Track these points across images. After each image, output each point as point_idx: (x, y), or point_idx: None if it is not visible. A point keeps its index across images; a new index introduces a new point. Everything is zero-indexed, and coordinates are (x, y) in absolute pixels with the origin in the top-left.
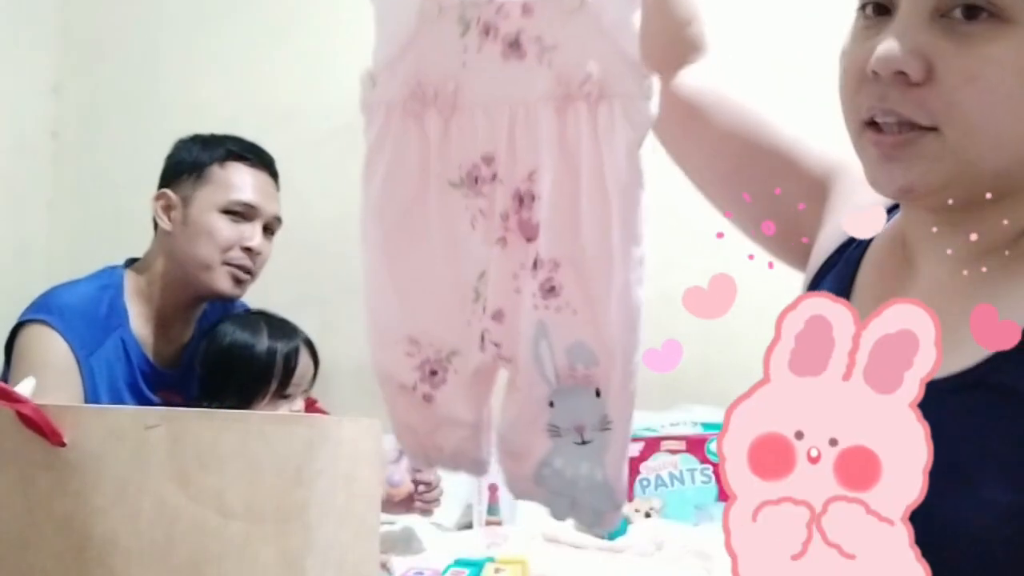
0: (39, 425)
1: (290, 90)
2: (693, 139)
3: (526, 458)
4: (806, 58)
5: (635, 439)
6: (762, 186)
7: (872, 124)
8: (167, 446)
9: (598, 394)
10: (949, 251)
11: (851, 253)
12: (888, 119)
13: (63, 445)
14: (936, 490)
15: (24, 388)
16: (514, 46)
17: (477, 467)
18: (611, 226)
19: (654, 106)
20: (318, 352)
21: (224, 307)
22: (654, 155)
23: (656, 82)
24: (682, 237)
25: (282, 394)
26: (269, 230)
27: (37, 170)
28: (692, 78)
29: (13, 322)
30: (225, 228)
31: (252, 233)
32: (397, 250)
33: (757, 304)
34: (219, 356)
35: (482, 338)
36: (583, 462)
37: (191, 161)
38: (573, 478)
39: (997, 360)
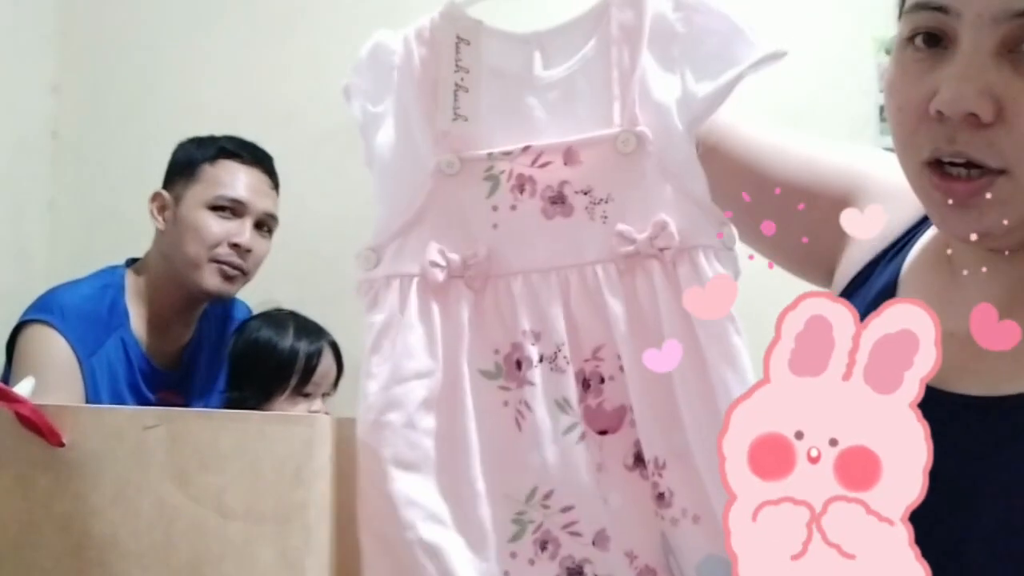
0: (38, 425)
1: (290, 90)
2: (714, 178)
3: None
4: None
5: None
6: (782, 217)
7: (934, 164)
8: (166, 446)
9: None
10: (1004, 275)
11: (883, 269)
12: (956, 160)
13: (62, 445)
14: (992, 511)
15: (23, 388)
16: (557, 201)
17: None
18: (716, 404)
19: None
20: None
21: (225, 309)
22: None
23: (734, 229)
24: None
25: (302, 392)
26: (264, 228)
27: (37, 170)
28: (714, 119)
29: (14, 322)
30: (212, 224)
31: (240, 229)
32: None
33: (757, 304)
34: (245, 349)
35: None
36: None
37: (185, 161)
38: None
39: None
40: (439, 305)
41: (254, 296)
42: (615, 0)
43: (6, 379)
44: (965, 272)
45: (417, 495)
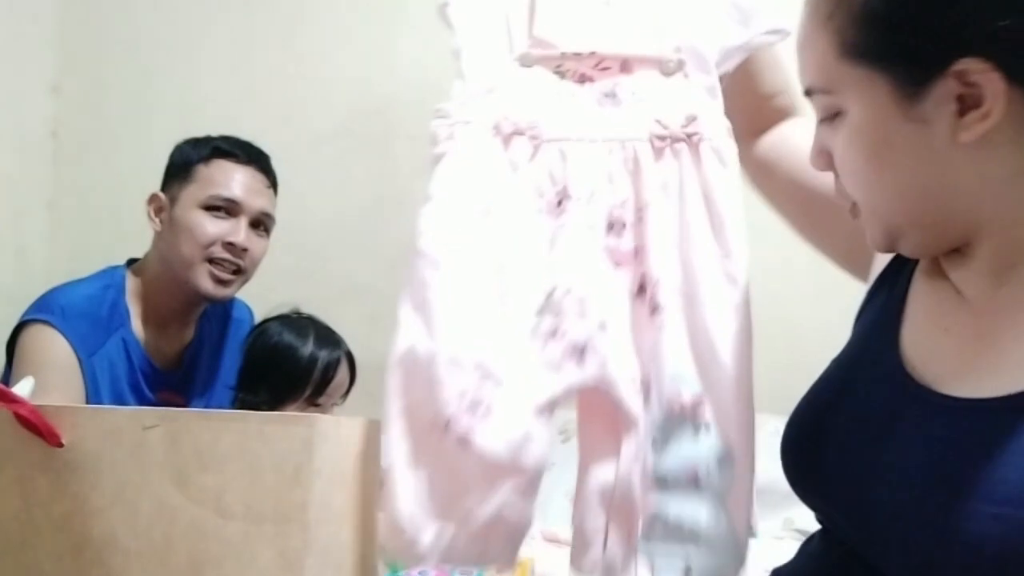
0: (37, 426)
1: (290, 90)
2: (767, 193)
3: (632, 515)
4: None
5: None
6: (828, 225)
7: None
8: (165, 447)
9: (708, 429)
10: (972, 273)
11: (901, 269)
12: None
13: (61, 446)
14: (982, 513)
15: (23, 388)
16: (610, 95)
17: (514, 542)
18: (713, 248)
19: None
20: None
21: (225, 309)
22: None
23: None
24: None
25: (314, 402)
26: (260, 227)
27: (37, 170)
28: (764, 139)
29: (14, 322)
30: (207, 224)
31: (235, 229)
32: (461, 260)
33: (758, 305)
34: (263, 352)
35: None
36: (701, 509)
37: (181, 162)
38: (692, 530)
39: None
40: (499, 151)
41: (254, 296)
42: None
43: (6, 379)
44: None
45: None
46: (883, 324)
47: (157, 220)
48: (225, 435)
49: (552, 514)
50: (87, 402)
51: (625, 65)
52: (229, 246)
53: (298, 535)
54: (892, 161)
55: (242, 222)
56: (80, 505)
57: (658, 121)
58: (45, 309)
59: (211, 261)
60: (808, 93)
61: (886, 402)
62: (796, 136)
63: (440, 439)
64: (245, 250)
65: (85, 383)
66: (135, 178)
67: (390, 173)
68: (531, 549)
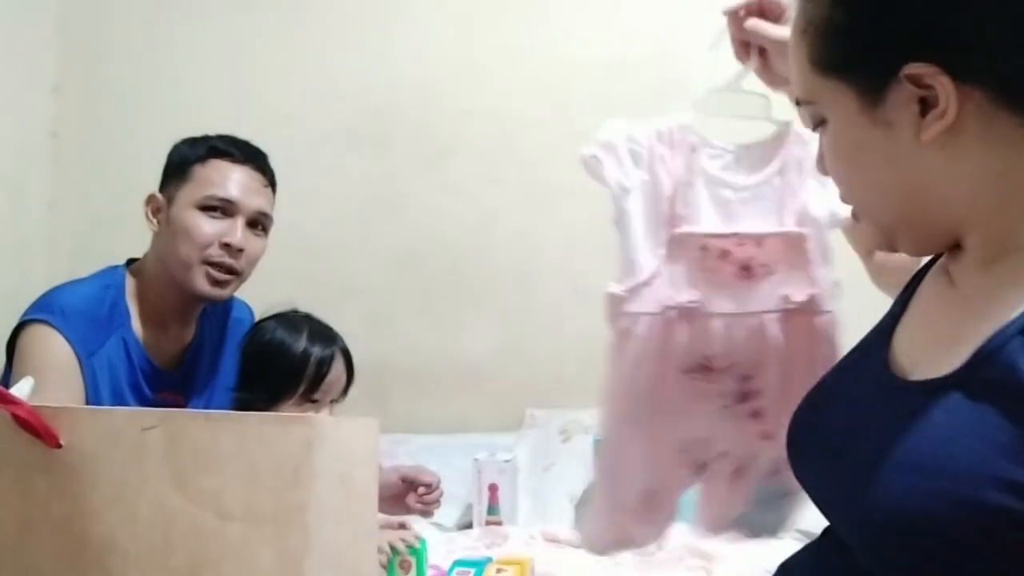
0: (34, 427)
1: (290, 90)
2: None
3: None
4: None
5: None
6: None
7: None
8: (164, 447)
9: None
10: (967, 268)
11: (919, 273)
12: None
13: (59, 447)
14: (916, 482)
15: (22, 389)
16: (745, 269)
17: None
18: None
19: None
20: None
21: (225, 309)
22: None
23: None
24: None
25: (310, 398)
26: (258, 226)
27: (37, 170)
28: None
29: (14, 322)
30: (203, 225)
31: (231, 229)
32: (639, 418)
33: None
34: (257, 349)
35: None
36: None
37: (177, 162)
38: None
39: (981, 357)
40: (664, 331)
41: (255, 296)
42: (792, 137)
43: (6, 379)
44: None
45: None
46: (881, 325)
47: (155, 221)
48: (224, 436)
49: (552, 514)
50: (87, 402)
51: (758, 241)
52: (225, 247)
53: (297, 536)
54: (868, 165)
55: (238, 222)
56: (79, 506)
57: (785, 296)
58: (45, 309)
59: (208, 263)
60: (798, 103)
61: (865, 395)
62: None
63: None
64: (241, 250)
65: (85, 383)
66: (135, 178)
67: (390, 173)
68: (531, 549)
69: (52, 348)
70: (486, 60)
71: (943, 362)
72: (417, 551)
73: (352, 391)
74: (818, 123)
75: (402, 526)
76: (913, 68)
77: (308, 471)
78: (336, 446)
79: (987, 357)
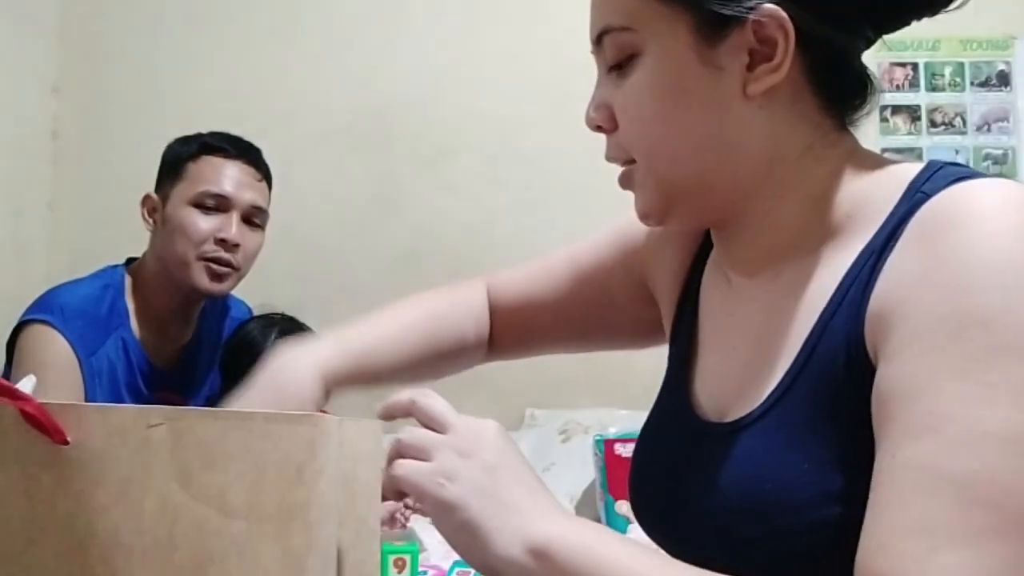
0: (42, 423)
1: (290, 90)
2: (534, 349)
3: None
4: None
5: (635, 439)
6: (605, 326)
7: None
8: (169, 445)
9: None
10: (747, 260)
11: (685, 302)
12: (614, 164)
13: (66, 443)
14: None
15: (24, 387)
16: None
17: None
18: None
19: None
20: None
21: (224, 309)
22: None
23: None
24: None
25: None
26: (253, 222)
27: (37, 170)
28: (495, 335)
29: (14, 322)
30: (198, 221)
31: (226, 224)
32: None
33: None
34: (232, 350)
35: None
36: None
37: (171, 160)
38: None
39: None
40: None
41: (255, 296)
42: None
43: (6, 378)
44: (734, 281)
45: None
46: (677, 370)
47: (151, 220)
48: (229, 434)
49: None
50: (86, 401)
51: None
52: (221, 242)
53: (301, 534)
54: (684, 106)
55: (233, 217)
56: (84, 503)
57: None
58: (45, 309)
59: (204, 259)
60: (601, 35)
61: (678, 444)
62: (515, 296)
63: None
64: (237, 245)
65: (84, 383)
66: (135, 178)
67: (390, 173)
68: None
69: (52, 348)
70: (486, 60)
71: (748, 398)
72: (412, 549)
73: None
74: (622, 58)
75: (406, 507)
76: (768, 11)
77: (312, 470)
78: (340, 446)
79: (790, 386)
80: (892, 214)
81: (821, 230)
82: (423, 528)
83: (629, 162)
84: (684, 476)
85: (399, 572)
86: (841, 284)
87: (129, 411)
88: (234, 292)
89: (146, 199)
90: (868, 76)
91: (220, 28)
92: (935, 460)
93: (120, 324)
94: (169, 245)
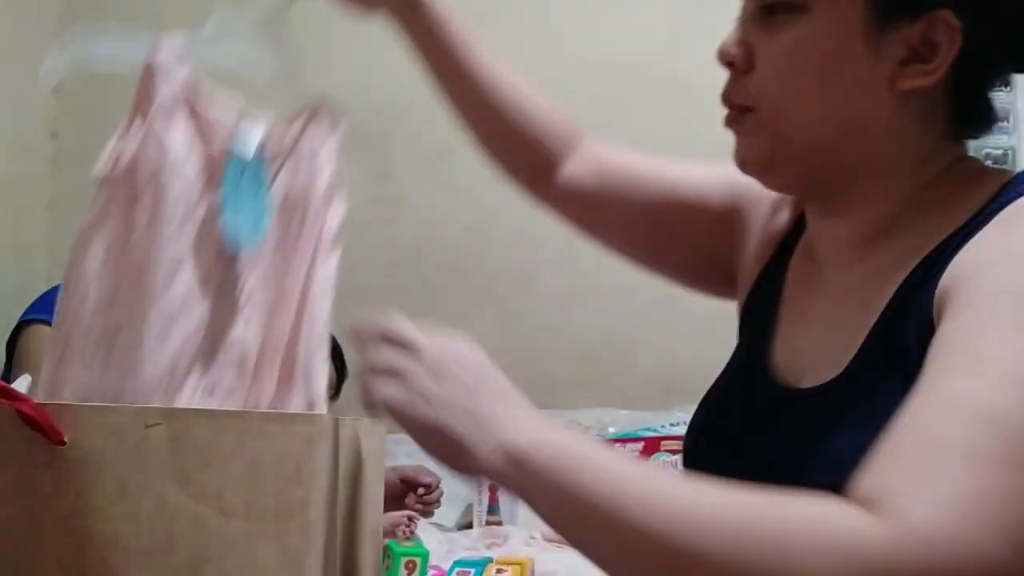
0: (39, 423)
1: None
2: (600, 223)
3: None
4: None
5: (635, 439)
6: (675, 243)
7: None
8: (167, 445)
9: None
10: (840, 242)
11: (773, 273)
12: (727, 105)
13: (63, 444)
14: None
15: (20, 387)
16: None
17: None
18: None
19: None
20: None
21: None
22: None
23: None
24: None
25: None
26: None
27: (37, 170)
28: (575, 169)
29: (14, 322)
30: None
31: None
32: None
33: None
34: None
35: None
36: None
37: None
38: None
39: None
40: None
41: None
42: None
43: (6, 378)
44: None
45: None
46: (758, 332)
47: None
48: (227, 433)
49: None
50: None
51: None
52: None
53: (299, 533)
54: (832, 77)
55: None
56: (82, 503)
57: None
58: (45, 309)
59: None
60: None
61: (754, 406)
62: (615, 154)
63: None
64: None
65: None
66: None
67: (390, 173)
68: (531, 549)
69: None
70: None
71: (829, 365)
72: (423, 552)
73: (352, 391)
74: (783, 6)
75: (410, 519)
76: (945, 16)
77: (310, 469)
78: (340, 444)
79: (872, 347)
80: (981, 210)
81: (915, 223)
82: (422, 529)
83: (746, 108)
84: (759, 436)
85: (409, 574)
86: (923, 262)
87: (126, 411)
88: None
89: None
90: (993, 109)
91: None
92: (969, 394)
93: None
94: None
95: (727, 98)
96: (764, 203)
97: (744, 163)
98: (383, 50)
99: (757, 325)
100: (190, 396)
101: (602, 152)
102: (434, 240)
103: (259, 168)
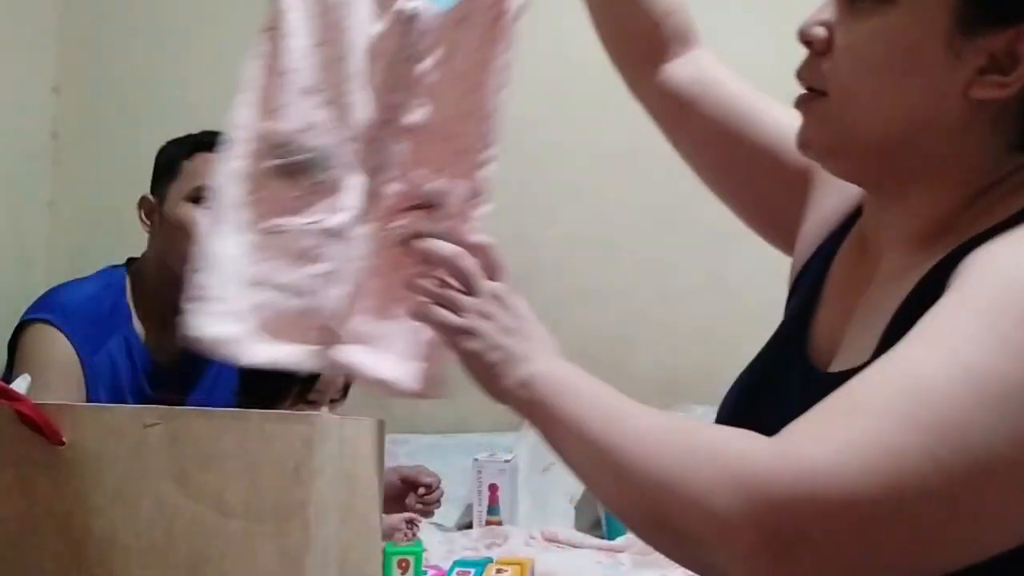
0: (38, 424)
1: None
2: (682, 131)
3: None
4: None
5: None
6: (746, 177)
7: None
8: (166, 445)
9: None
10: (895, 234)
11: (822, 254)
12: (800, 83)
13: (62, 444)
14: None
15: (19, 387)
16: None
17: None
18: None
19: None
20: None
21: None
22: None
23: None
24: (682, 237)
25: (305, 399)
26: None
27: (37, 170)
28: (679, 70)
29: (14, 322)
30: (197, 216)
31: None
32: None
33: (757, 305)
34: None
35: None
36: None
37: (165, 162)
38: None
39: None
40: None
41: None
42: None
43: (7, 378)
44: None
45: None
46: (798, 312)
47: (149, 222)
48: (226, 433)
49: (552, 514)
50: (87, 401)
51: None
52: None
53: (298, 533)
54: (910, 74)
55: None
56: (81, 503)
57: None
58: (46, 308)
59: None
60: None
61: (787, 388)
62: (721, 73)
63: None
64: None
65: (86, 382)
66: (135, 178)
67: None
68: (531, 549)
69: (53, 347)
70: None
71: (857, 352)
72: (416, 551)
73: (353, 391)
74: None
75: (411, 522)
76: None
77: (309, 469)
78: (340, 444)
79: (890, 338)
80: (1020, 212)
81: (962, 227)
82: (423, 528)
83: (817, 91)
84: (785, 413)
85: (403, 573)
86: (948, 256)
87: (125, 411)
88: None
89: (143, 201)
90: None
91: (220, 28)
92: (912, 364)
93: (122, 323)
94: (171, 244)
95: (801, 76)
96: (834, 181)
97: (806, 144)
98: None
99: (800, 303)
100: None
101: (709, 66)
102: None
103: None
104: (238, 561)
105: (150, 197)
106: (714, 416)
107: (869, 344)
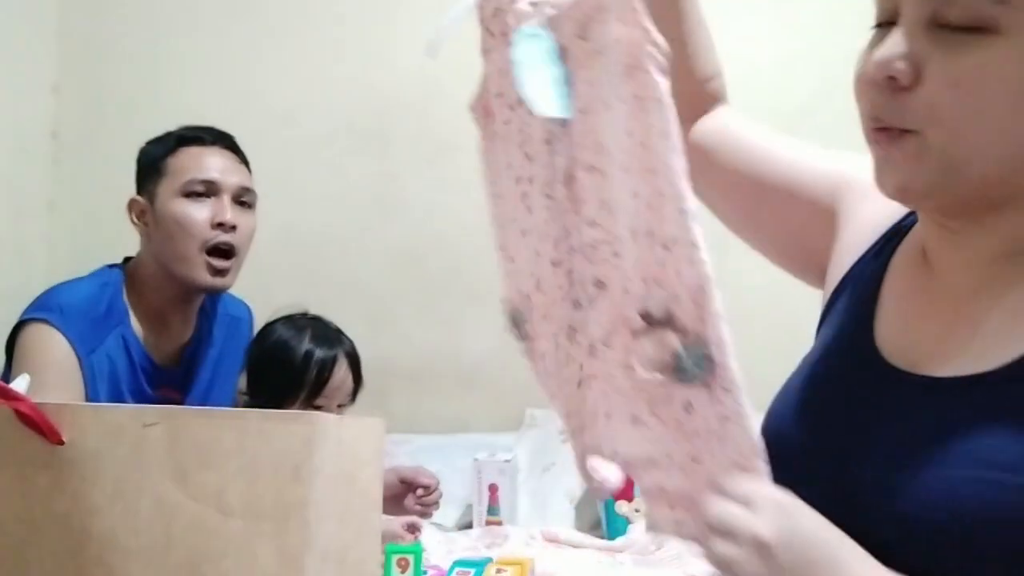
0: (37, 423)
1: (290, 90)
2: (705, 181)
3: None
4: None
5: None
6: (771, 219)
7: (875, 127)
8: (166, 444)
9: None
10: (970, 255)
11: (869, 265)
12: (878, 125)
13: (61, 443)
14: (967, 478)
15: (18, 386)
16: None
17: None
18: None
19: None
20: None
21: (223, 307)
22: None
23: None
24: None
25: (313, 402)
26: (244, 203)
27: (37, 170)
28: (703, 124)
29: (14, 321)
30: (192, 211)
31: (219, 208)
32: None
33: (757, 306)
34: (261, 353)
35: None
36: None
37: (148, 161)
38: None
39: None
40: None
41: (255, 296)
42: None
43: (6, 378)
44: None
45: None
46: (856, 318)
47: (142, 223)
48: (225, 433)
49: (552, 514)
50: (86, 400)
51: None
52: (219, 226)
53: (297, 532)
54: (1021, 109)
55: (224, 200)
56: (80, 503)
57: None
58: (44, 308)
59: (206, 252)
60: None
61: (864, 388)
62: (738, 123)
63: None
64: (235, 227)
65: (84, 381)
66: (135, 178)
67: (390, 172)
68: (531, 549)
69: (51, 346)
70: None
71: (974, 359)
72: (415, 550)
73: (364, 398)
74: (963, 24)
75: (412, 526)
76: None
77: (309, 468)
78: (339, 444)
79: None
80: None
81: None
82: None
83: (902, 130)
84: (871, 421)
85: (402, 572)
86: None
87: (124, 411)
88: (232, 290)
89: (132, 203)
90: None
91: (220, 28)
92: None
93: (120, 322)
94: (167, 243)
95: (878, 115)
96: (865, 197)
97: (903, 190)
98: (383, 50)
99: (854, 313)
100: None
101: (729, 116)
102: (435, 239)
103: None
104: (237, 561)
105: (139, 199)
106: None
107: (1000, 351)
